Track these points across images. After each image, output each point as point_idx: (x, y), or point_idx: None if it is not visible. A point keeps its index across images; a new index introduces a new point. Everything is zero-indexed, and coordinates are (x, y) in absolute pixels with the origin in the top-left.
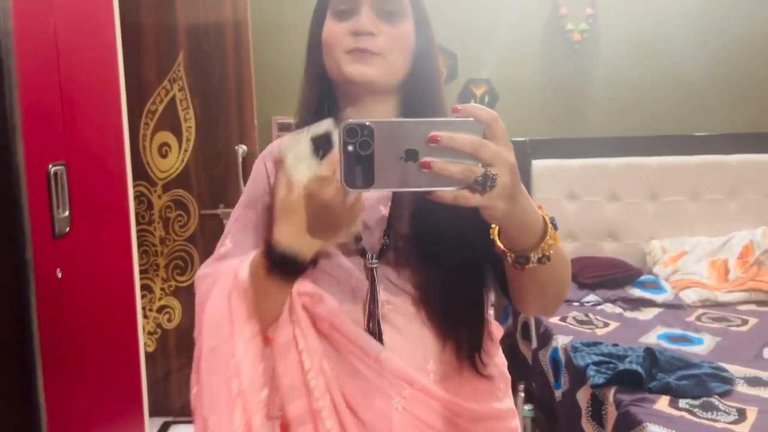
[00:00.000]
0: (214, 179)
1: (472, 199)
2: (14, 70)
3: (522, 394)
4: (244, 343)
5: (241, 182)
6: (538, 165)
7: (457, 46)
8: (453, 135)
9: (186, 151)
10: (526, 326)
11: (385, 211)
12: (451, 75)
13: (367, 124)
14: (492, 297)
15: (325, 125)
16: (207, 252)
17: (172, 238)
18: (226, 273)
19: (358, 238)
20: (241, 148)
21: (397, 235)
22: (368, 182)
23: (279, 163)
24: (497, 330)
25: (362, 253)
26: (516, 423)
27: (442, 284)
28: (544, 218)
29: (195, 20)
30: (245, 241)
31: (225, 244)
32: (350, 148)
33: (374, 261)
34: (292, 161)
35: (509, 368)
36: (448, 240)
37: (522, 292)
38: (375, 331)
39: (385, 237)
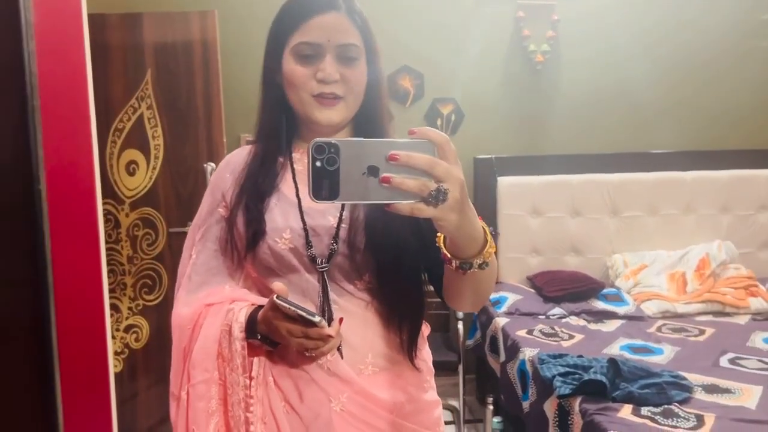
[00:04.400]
0: (183, 197)
1: (426, 211)
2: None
3: (491, 407)
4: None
5: None
6: (503, 182)
7: (424, 66)
8: (410, 154)
9: (154, 168)
10: (494, 339)
11: (333, 220)
12: (418, 94)
13: (334, 142)
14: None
15: (317, 319)
16: (176, 270)
17: (140, 257)
18: (195, 316)
19: (309, 245)
20: (210, 166)
21: (343, 243)
22: (334, 195)
23: (274, 309)
24: (425, 328)
25: (312, 259)
26: (439, 412)
27: (385, 286)
28: (484, 229)
29: (163, 39)
30: (208, 255)
31: (192, 260)
32: (318, 163)
33: (323, 265)
34: (286, 328)
35: (477, 381)
36: (390, 247)
37: (458, 294)
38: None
39: (333, 243)
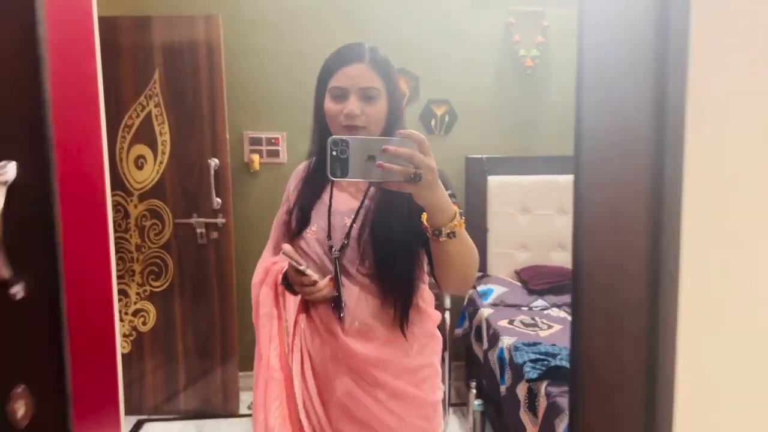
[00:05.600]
0: (188, 190)
1: (407, 188)
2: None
3: (474, 391)
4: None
5: (213, 193)
6: (493, 181)
7: (419, 69)
8: (397, 148)
9: (161, 163)
10: (479, 329)
11: (348, 222)
12: (413, 95)
13: (345, 138)
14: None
15: (302, 267)
16: (181, 258)
17: (148, 246)
18: (264, 271)
19: (329, 238)
20: (214, 161)
21: (353, 239)
22: (344, 175)
23: (289, 266)
24: (435, 315)
25: (330, 248)
26: (428, 374)
27: (381, 272)
28: (456, 211)
29: (170, 41)
30: (273, 236)
31: (270, 237)
32: (334, 153)
33: (336, 253)
34: (292, 277)
35: (466, 367)
36: (385, 245)
37: (441, 267)
38: (338, 300)
39: (345, 239)
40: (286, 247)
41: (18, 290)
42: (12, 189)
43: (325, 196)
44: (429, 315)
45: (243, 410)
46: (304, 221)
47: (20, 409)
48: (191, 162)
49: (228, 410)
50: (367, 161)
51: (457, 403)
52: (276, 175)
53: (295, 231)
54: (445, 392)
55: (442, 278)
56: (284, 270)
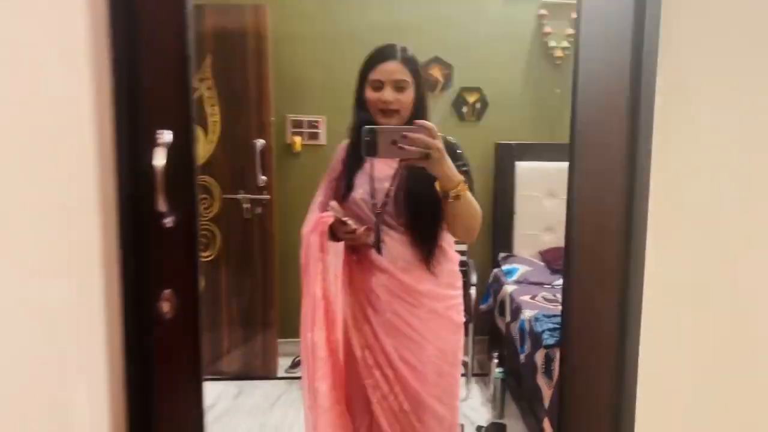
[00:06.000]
0: (235, 168)
1: (421, 162)
2: None
3: (496, 360)
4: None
5: (258, 171)
6: (521, 166)
7: (453, 58)
8: (412, 134)
9: (212, 142)
10: (502, 304)
11: (387, 186)
12: (447, 83)
13: (374, 128)
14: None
15: (345, 218)
16: (228, 231)
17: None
18: (315, 222)
19: (372, 198)
20: (259, 142)
21: (391, 199)
22: (375, 154)
23: (336, 220)
24: (455, 256)
25: (373, 206)
26: (454, 303)
27: (412, 225)
28: (460, 179)
29: (222, 28)
30: (319, 195)
31: (317, 196)
32: (367, 138)
33: (379, 209)
34: (336, 227)
35: (489, 341)
36: (415, 205)
37: (448, 220)
38: (378, 244)
39: (386, 198)
40: (333, 203)
41: (169, 221)
42: (168, 149)
43: (366, 167)
44: (451, 255)
45: (281, 373)
46: (350, 186)
47: (167, 306)
48: (239, 142)
49: (267, 372)
50: (392, 144)
51: (479, 373)
52: (316, 156)
53: (343, 194)
54: (468, 363)
55: (451, 228)
56: (330, 223)
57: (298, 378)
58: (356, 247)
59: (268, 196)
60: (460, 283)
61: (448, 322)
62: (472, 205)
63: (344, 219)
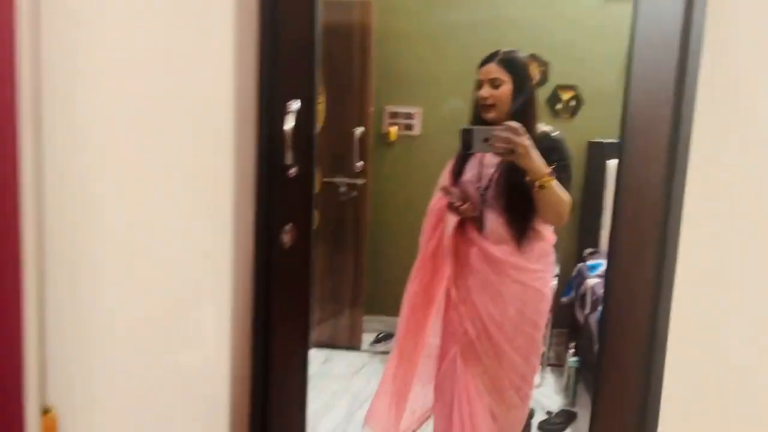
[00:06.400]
0: (336, 154)
1: (509, 156)
2: None
3: (572, 350)
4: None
5: (356, 158)
6: (612, 164)
7: (550, 55)
8: (500, 133)
9: (317, 128)
10: (583, 296)
11: (492, 171)
12: (542, 80)
13: (469, 128)
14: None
15: (453, 199)
16: (327, 212)
17: None
18: (435, 201)
19: (479, 181)
20: (358, 130)
21: (493, 182)
22: (470, 149)
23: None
24: (550, 236)
25: (478, 188)
26: (541, 275)
27: (508, 206)
28: (546, 172)
29: (330, 23)
30: (441, 180)
31: (440, 180)
32: (465, 136)
33: (484, 192)
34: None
35: (567, 333)
36: (511, 190)
37: (540, 207)
38: (480, 220)
39: (489, 182)
40: (446, 185)
41: (293, 171)
42: (296, 115)
43: (479, 154)
44: (544, 235)
45: (365, 347)
46: (460, 172)
47: (287, 237)
48: (340, 130)
49: (352, 344)
50: (483, 141)
51: (555, 363)
52: (410, 146)
53: (456, 177)
54: (544, 352)
55: (540, 214)
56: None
57: (382, 353)
58: (463, 220)
59: (363, 181)
60: (551, 259)
61: (534, 292)
62: (557, 195)
63: (453, 197)
